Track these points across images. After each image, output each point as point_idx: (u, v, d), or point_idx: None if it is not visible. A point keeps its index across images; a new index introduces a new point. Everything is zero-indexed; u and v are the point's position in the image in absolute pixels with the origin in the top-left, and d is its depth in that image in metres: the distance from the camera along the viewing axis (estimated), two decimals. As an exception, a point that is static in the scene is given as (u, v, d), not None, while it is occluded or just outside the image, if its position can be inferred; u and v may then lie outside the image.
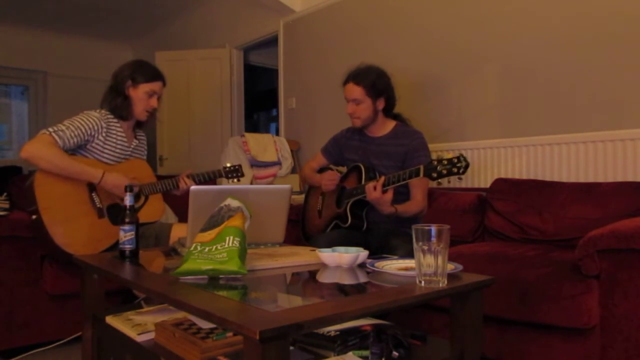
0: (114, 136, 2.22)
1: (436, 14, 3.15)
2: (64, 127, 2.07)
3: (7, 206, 2.27)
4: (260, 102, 7.27)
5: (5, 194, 2.40)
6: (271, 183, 3.81)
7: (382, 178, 1.95)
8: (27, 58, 6.00)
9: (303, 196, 2.63)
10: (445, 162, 1.79)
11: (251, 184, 3.68)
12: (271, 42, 4.69)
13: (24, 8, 5.36)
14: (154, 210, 2.29)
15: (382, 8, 3.50)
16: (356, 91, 2.21)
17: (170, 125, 5.06)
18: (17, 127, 6.34)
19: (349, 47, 3.73)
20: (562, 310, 1.64)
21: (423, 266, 1.18)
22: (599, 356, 1.62)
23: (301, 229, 2.54)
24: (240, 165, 2.41)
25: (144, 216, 2.23)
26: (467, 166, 1.77)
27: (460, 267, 1.35)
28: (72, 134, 2.08)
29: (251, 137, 3.90)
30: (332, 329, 1.31)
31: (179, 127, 5.02)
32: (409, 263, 1.40)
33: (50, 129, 2.05)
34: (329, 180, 2.30)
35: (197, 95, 4.98)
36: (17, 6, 5.29)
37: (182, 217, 2.99)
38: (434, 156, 1.92)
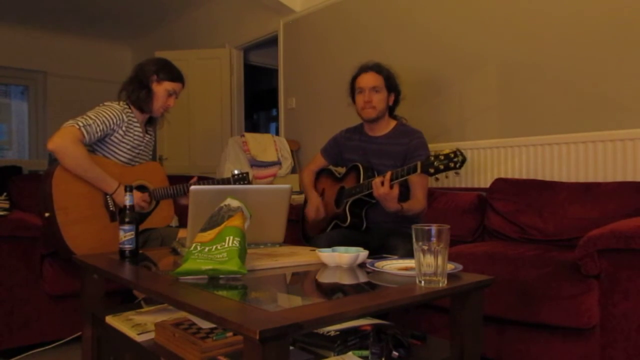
0: (132, 130, 2.20)
1: (436, 14, 3.15)
2: (91, 121, 2.04)
3: (7, 206, 2.27)
4: (260, 102, 7.26)
5: (5, 194, 2.40)
6: (271, 183, 3.81)
7: (389, 173, 1.94)
8: (27, 58, 6.00)
9: (303, 196, 2.63)
10: (442, 158, 1.79)
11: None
12: (271, 42, 4.69)
13: (24, 8, 5.36)
14: (164, 215, 2.29)
15: (382, 8, 3.50)
16: (378, 79, 2.23)
17: (170, 125, 5.01)
18: (17, 127, 6.34)
19: (349, 47, 3.72)
20: (562, 310, 1.65)
21: (423, 266, 1.18)
22: (599, 356, 1.62)
23: (301, 229, 2.54)
24: (247, 173, 2.39)
25: (153, 221, 2.23)
26: (463, 160, 1.77)
27: (460, 267, 1.35)
28: (98, 129, 2.06)
29: (251, 137, 3.90)
30: (332, 329, 1.31)
31: (179, 127, 5.02)
32: (409, 263, 1.40)
33: (80, 123, 2.01)
34: (315, 214, 2.34)
35: (197, 95, 4.97)
36: (17, 6, 5.29)
37: (182, 220, 3.00)
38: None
